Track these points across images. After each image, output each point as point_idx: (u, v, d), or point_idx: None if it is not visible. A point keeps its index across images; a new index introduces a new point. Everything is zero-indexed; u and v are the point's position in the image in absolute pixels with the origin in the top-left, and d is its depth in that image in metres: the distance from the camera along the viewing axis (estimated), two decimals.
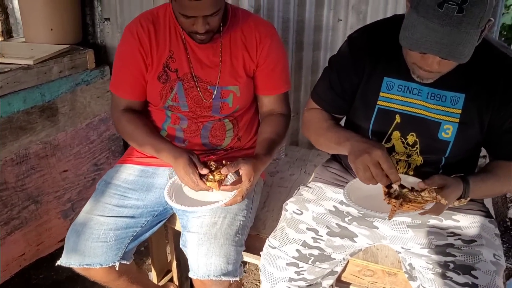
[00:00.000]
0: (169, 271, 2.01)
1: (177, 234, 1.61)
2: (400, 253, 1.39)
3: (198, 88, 1.50)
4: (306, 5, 2.11)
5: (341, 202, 1.44)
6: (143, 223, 1.52)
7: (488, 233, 1.32)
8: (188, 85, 1.50)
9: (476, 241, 1.29)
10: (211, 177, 1.33)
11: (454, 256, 1.26)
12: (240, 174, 1.33)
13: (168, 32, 1.48)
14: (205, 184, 1.32)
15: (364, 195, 1.29)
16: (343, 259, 1.41)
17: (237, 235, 1.41)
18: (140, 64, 1.48)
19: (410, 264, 1.35)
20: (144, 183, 1.55)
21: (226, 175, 1.34)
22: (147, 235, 1.56)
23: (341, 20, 2.10)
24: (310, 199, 1.46)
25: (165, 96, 1.50)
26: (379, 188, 1.21)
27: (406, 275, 1.39)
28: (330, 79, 1.40)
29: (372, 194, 1.28)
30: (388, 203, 1.18)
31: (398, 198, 1.18)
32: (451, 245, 1.29)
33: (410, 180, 1.29)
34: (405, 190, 1.21)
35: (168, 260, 2.05)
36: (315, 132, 1.44)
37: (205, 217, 1.42)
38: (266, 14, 2.11)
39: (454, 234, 1.31)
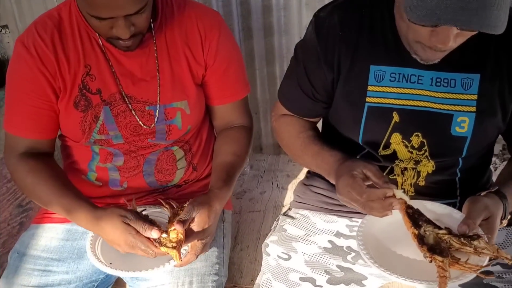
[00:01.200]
0: None
1: None
2: None
3: (133, 112, 1.11)
4: None
5: (338, 234, 1.11)
6: None
7: None
8: (118, 110, 1.11)
9: None
10: (165, 236, 0.96)
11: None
12: (191, 226, 0.98)
13: (79, 40, 1.07)
14: (160, 249, 0.96)
15: (383, 237, 0.97)
16: None
17: None
18: (44, 89, 1.07)
19: None
20: (73, 248, 1.15)
21: (183, 233, 0.96)
22: None
23: None
24: (297, 236, 1.11)
25: (88, 129, 1.11)
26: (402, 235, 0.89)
27: None
28: (297, 76, 1.10)
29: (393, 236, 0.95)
30: (430, 261, 0.82)
31: (443, 252, 0.82)
32: (488, 273, 0.99)
33: (430, 207, 0.99)
34: (443, 233, 0.87)
35: None
36: (288, 152, 1.18)
37: (164, 287, 1.05)
38: None
39: (490, 258, 1.02)
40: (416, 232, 0.86)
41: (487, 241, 0.86)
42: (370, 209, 0.91)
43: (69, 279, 1.12)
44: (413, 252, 0.89)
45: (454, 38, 0.84)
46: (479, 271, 0.84)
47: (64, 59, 1.06)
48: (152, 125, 1.13)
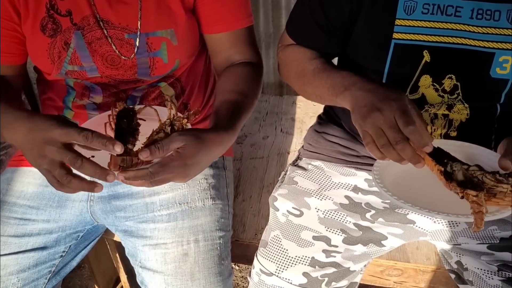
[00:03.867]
0: (119, 279, 1.53)
1: (121, 246, 1.11)
2: (444, 249, 0.99)
3: (110, 39, 0.93)
4: None
5: (356, 189, 0.98)
6: (63, 252, 1.02)
7: None
8: (92, 36, 0.93)
9: None
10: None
11: None
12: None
13: None
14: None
15: (402, 176, 0.81)
16: (364, 266, 0.99)
17: (222, 262, 0.95)
18: (5, 5, 0.90)
19: (459, 263, 0.95)
20: (53, 196, 1.01)
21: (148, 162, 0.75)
22: (74, 263, 1.07)
23: None
24: (310, 190, 0.99)
25: (58, 58, 0.94)
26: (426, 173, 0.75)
27: (452, 275, 1.00)
28: (310, 7, 0.94)
29: (415, 174, 0.79)
30: (462, 197, 0.69)
31: (476, 187, 0.70)
32: None
33: (456, 147, 0.84)
34: (474, 170, 0.74)
35: (116, 267, 1.56)
36: (298, 80, 0.98)
37: (166, 246, 0.93)
38: None
39: None
40: (442, 168, 0.73)
41: None
42: (383, 152, 0.74)
43: (50, 229, 0.99)
44: (440, 191, 0.75)
45: None
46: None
47: None
48: (132, 56, 0.95)
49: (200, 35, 1.03)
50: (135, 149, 0.77)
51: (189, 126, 0.81)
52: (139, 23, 0.93)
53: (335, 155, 1.03)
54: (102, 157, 0.76)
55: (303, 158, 1.09)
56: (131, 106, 0.91)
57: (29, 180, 1.02)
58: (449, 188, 0.73)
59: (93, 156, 0.77)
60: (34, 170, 1.02)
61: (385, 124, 0.73)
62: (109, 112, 0.90)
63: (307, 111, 1.55)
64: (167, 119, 0.81)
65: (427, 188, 0.75)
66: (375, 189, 0.97)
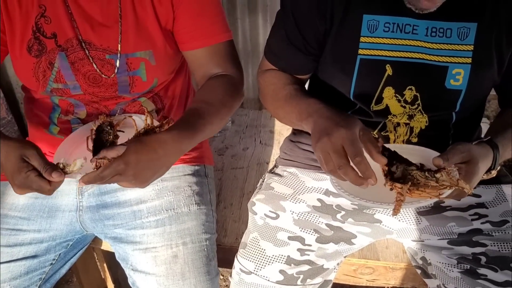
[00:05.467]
0: None
1: (109, 254, 1.17)
2: (410, 247, 1.07)
3: (91, 59, 1.00)
4: None
5: (327, 192, 1.07)
6: (53, 260, 1.07)
7: None
8: (75, 57, 1.00)
9: (508, 221, 0.99)
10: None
11: (485, 245, 0.96)
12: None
13: None
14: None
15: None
16: (337, 264, 1.07)
17: (209, 262, 1.02)
18: None
19: (423, 258, 1.03)
20: (43, 207, 1.06)
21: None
22: (63, 271, 1.12)
23: None
24: (286, 194, 1.07)
25: (43, 76, 1.00)
26: (379, 169, 0.84)
27: (418, 271, 1.08)
28: (285, 28, 1.02)
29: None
30: (391, 189, 0.81)
31: (405, 182, 0.82)
32: (478, 231, 0.98)
33: (415, 151, 0.94)
34: (412, 169, 0.85)
35: (103, 277, 1.61)
36: (272, 104, 1.07)
37: (156, 250, 0.99)
38: None
39: (480, 216, 1.00)
40: (387, 168, 0.84)
41: (453, 175, 0.83)
42: (331, 172, 0.81)
43: (41, 238, 1.05)
44: (383, 186, 0.85)
45: None
46: (431, 200, 0.82)
47: None
48: (113, 75, 1.02)
49: (180, 53, 1.10)
50: None
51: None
52: (119, 45, 1.00)
53: (308, 162, 1.12)
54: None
55: (279, 166, 1.17)
56: (111, 118, 0.98)
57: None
58: (385, 182, 0.82)
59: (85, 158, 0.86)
60: None
61: (331, 149, 0.79)
62: (91, 124, 0.97)
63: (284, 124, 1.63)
64: (142, 128, 0.89)
65: (379, 185, 0.83)
66: None
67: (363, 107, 1.02)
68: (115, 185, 1.07)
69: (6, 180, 1.10)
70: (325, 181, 1.07)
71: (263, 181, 1.16)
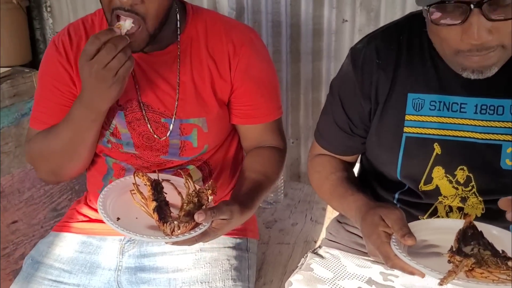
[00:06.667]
0: None
1: None
2: None
3: (147, 120, 1.06)
4: (301, 4, 1.70)
5: (370, 282, 0.98)
6: None
7: None
8: (133, 117, 1.06)
9: None
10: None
11: None
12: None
13: None
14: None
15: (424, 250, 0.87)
16: None
17: None
18: (68, 86, 1.05)
19: None
20: (86, 262, 1.09)
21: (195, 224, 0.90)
22: None
23: (346, 20, 1.70)
24: (325, 278, 1.00)
25: (102, 128, 1.07)
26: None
27: None
28: (333, 112, 1.04)
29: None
30: (450, 261, 0.76)
31: (469, 258, 0.76)
32: None
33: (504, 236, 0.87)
34: (487, 253, 0.78)
35: None
36: (320, 194, 1.11)
37: None
38: (251, 18, 1.71)
39: None
40: (457, 246, 0.80)
41: None
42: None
43: None
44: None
45: (487, 30, 0.76)
46: (490, 285, 0.73)
47: None
48: (165, 138, 1.06)
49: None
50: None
51: (211, 198, 0.94)
52: (175, 110, 1.06)
53: (352, 245, 1.05)
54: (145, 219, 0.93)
55: (323, 247, 1.11)
56: (157, 179, 1.00)
57: (67, 245, 1.12)
58: (447, 254, 0.77)
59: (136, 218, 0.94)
60: (72, 236, 1.13)
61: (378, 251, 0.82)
62: (129, 178, 1.02)
63: None
64: (193, 191, 0.94)
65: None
66: (389, 283, 0.96)
67: (412, 187, 0.97)
68: (155, 249, 1.09)
69: (57, 231, 1.16)
70: (369, 269, 1.00)
71: (304, 261, 1.10)
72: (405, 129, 0.93)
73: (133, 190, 0.97)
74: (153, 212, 0.91)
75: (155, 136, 1.07)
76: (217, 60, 1.04)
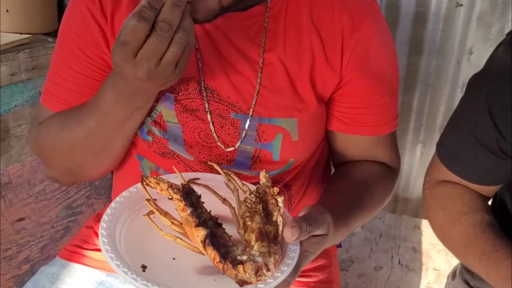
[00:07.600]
0: None
1: None
2: None
3: (209, 112, 0.73)
4: None
5: None
6: None
7: None
8: (188, 104, 0.75)
9: None
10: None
11: None
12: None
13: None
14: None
15: None
16: None
17: None
18: (96, 43, 0.74)
19: None
20: None
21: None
22: None
23: (461, 5, 1.44)
24: None
25: None
26: None
27: None
28: (471, 121, 0.80)
29: None
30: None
31: None
32: None
33: None
34: None
35: None
36: (445, 242, 0.85)
37: None
38: None
39: None
40: None
41: None
42: None
43: None
44: None
45: None
46: None
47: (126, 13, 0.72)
48: (237, 146, 0.75)
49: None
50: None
51: (282, 199, 0.62)
52: (253, 102, 0.73)
53: None
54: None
55: None
56: (185, 184, 0.66)
57: (79, 284, 0.80)
58: None
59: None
60: (87, 271, 0.82)
61: None
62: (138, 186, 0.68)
63: (433, 241, 1.23)
64: (250, 193, 0.62)
65: None
66: None
67: None
68: None
69: (65, 259, 0.84)
70: None
71: None
72: None
73: (151, 211, 0.62)
74: (205, 247, 0.56)
75: (218, 142, 0.72)
76: (324, 37, 0.72)
